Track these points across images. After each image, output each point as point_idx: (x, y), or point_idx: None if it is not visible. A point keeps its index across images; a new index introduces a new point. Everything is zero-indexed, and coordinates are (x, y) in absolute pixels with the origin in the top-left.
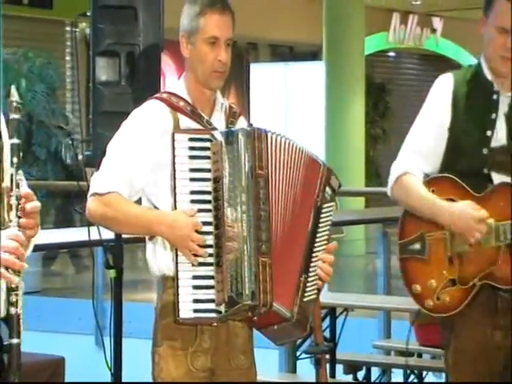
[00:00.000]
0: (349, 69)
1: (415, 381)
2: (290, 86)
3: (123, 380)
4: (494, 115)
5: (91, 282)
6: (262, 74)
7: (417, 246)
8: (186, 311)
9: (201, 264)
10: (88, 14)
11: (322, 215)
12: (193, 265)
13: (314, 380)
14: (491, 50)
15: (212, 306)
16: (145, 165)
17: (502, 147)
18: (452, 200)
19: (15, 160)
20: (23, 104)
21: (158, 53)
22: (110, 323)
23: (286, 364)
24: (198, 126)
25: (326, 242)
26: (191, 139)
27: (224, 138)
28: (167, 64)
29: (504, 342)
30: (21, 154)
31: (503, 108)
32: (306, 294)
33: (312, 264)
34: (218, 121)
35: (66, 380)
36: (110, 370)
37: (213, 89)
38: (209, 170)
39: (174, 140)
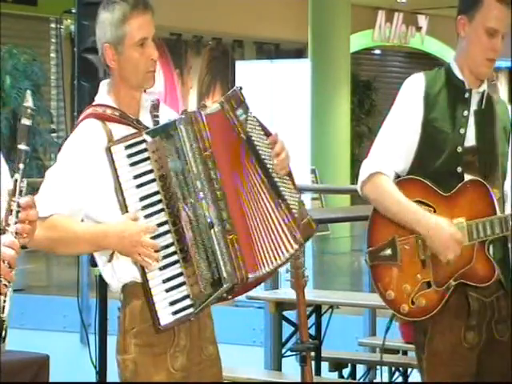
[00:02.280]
0: (334, 66)
1: (400, 378)
2: (276, 84)
3: (108, 377)
4: (466, 112)
5: (76, 280)
6: (247, 71)
7: (388, 252)
8: (165, 317)
9: (167, 266)
10: (73, 10)
11: (254, 140)
12: (160, 269)
13: (299, 377)
14: (477, 51)
15: (188, 301)
16: (84, 185)
17: (472, 147)
18: (420, 202)
19: (21, 166)
20: (10, 102)
21: None
22: (94, 321)
23: (272, 362)
24: (131, 129)
25: (270, 154)
26: (127, 147)
27: (164, 133)
28: None
29: (476, 342)
30: (27, 161)
31: (474, 106)
32: (293, 210)
33: (281, 188)
34: (146, 118)
35: (51, 378)
36: (95, 368)
37: (147, 88)
38: (152, 171)
39: (111, 154)
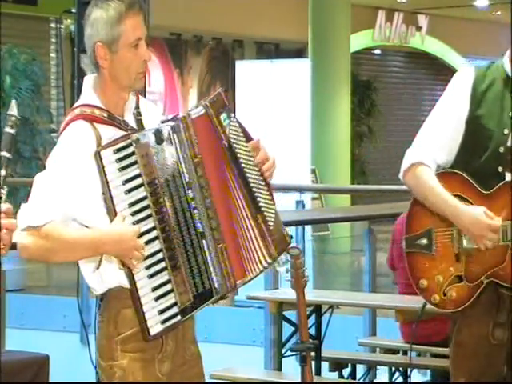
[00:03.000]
0: (334, 66)
1: (400, 378)
2: (276, 84)
3: None
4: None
5: (76, 280)
6: (247, 71)
7: (424, 241)
8: (155, 326)
9: (155, 273)
10: (73, 10)
11: (236, 148)
12: (149, 277)
13: (299, 377)
14: None
15: (175, 309)
16: (75, 189)
17: None
18: (459, 196)
19: (3, 173)
20: (10, 102)
21: None
22: (94, 321)
23: (272, 362)
24: (118, 130)
25: (254, 164)
26: (116, 150)
27: (154, 137)
28: (152, 60)
29: (505, 339)
30: (9, 170)
31: None
32: (269, 223)
33: (259, 199)
34: (130, 118)
35: (51, 378)
36: (95, 368)
37: (137, 89)
38: (140, 175)
39: (100, 159)
